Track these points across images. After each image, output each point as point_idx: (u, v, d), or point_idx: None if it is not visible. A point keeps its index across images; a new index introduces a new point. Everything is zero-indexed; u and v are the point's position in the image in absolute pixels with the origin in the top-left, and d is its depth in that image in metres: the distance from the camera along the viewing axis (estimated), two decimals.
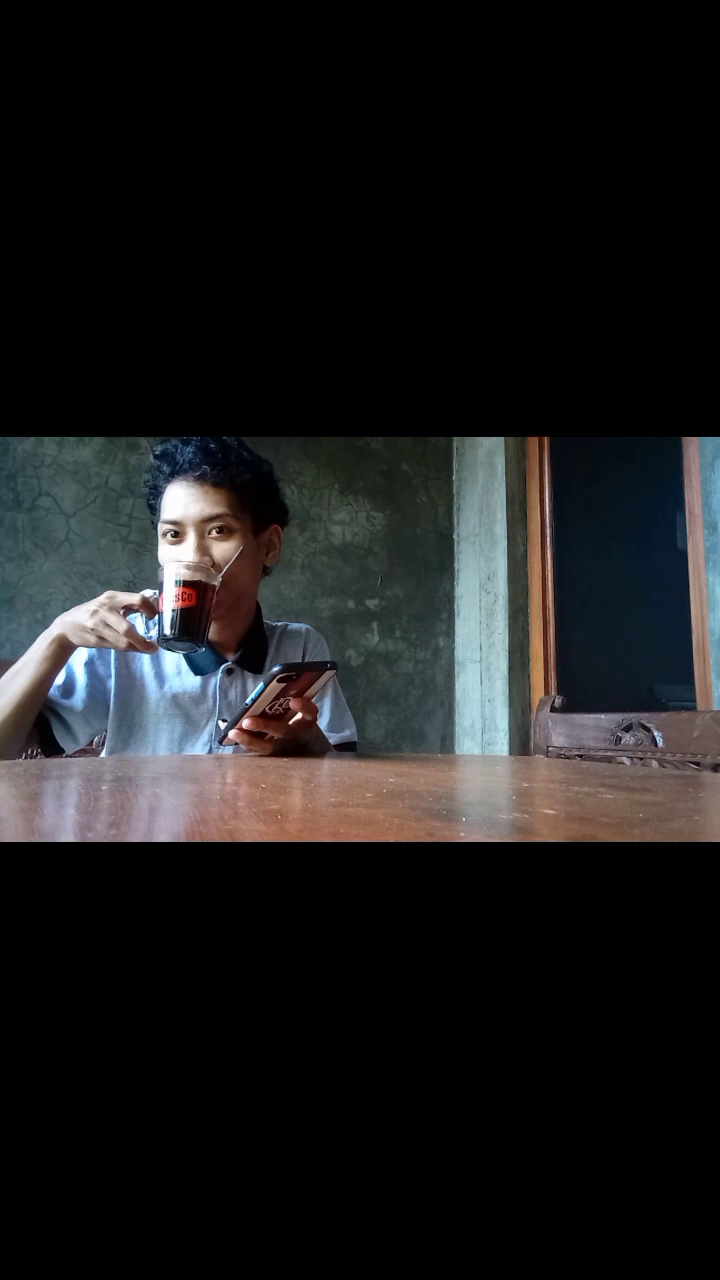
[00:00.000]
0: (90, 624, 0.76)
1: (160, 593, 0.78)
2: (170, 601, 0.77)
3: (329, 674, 0.73)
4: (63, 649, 0.80)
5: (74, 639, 0.79)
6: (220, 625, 0.88)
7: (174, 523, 0.87)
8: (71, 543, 1.84)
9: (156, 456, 0.91)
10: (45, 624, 1.80)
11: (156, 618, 0.78)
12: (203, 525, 0.86)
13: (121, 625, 0.76)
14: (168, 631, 0.77)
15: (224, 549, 0.87)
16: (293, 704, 0.72)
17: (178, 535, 0.87)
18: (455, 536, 2.37)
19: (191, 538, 0.86)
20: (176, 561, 0.82)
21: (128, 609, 0.77)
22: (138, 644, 0.76)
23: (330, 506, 2.19)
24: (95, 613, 0.76)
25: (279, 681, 0.66)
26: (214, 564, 0.86)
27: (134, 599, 0.77)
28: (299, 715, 0.73)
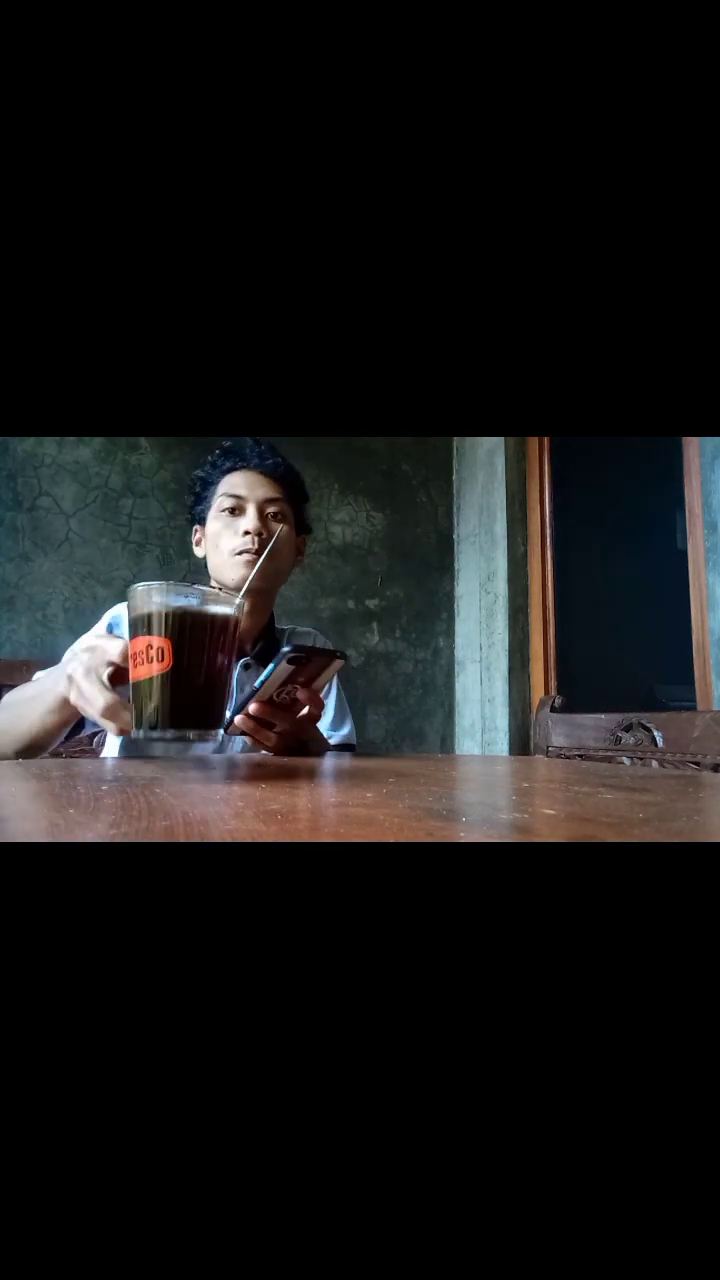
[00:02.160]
0: (72, 696, 0.58)
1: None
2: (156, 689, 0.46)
3: (338, 663, 0.71)
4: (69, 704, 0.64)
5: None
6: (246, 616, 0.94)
7: (238, 497, 0.95)
8: (71, 543, 1.84)
9: (218, 454, 0.99)
10: (45, 624, 1.78)
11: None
12: (264, 505, 0.95)
13: (99, 701, 0.53)
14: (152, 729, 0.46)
15: (279, 529, 0.95)
16: (299, 694, 0.71)
17: (239, 510, 0.95)
18: (455, 536, 2.37)
19: (252, 511, 0.94)
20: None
21: (114, 676, 0.55)
22: (117, 728, 0.53)
23: (330, 506, 2.19)
24: (72, 681, 0.57)
25: (289, 663, 0.65)
26: (269, 539, 0.92)
27: (115, 653, 0.54)
28: (306, 709, 0.72)
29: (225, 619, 0.48)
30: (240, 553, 0.92)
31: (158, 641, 0.45)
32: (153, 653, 0.45)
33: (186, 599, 0.46)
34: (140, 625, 0.46)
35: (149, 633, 0.45)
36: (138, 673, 0.45)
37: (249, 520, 0.94)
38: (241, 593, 0.47)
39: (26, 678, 1.41)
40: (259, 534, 0.93)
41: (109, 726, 0.53)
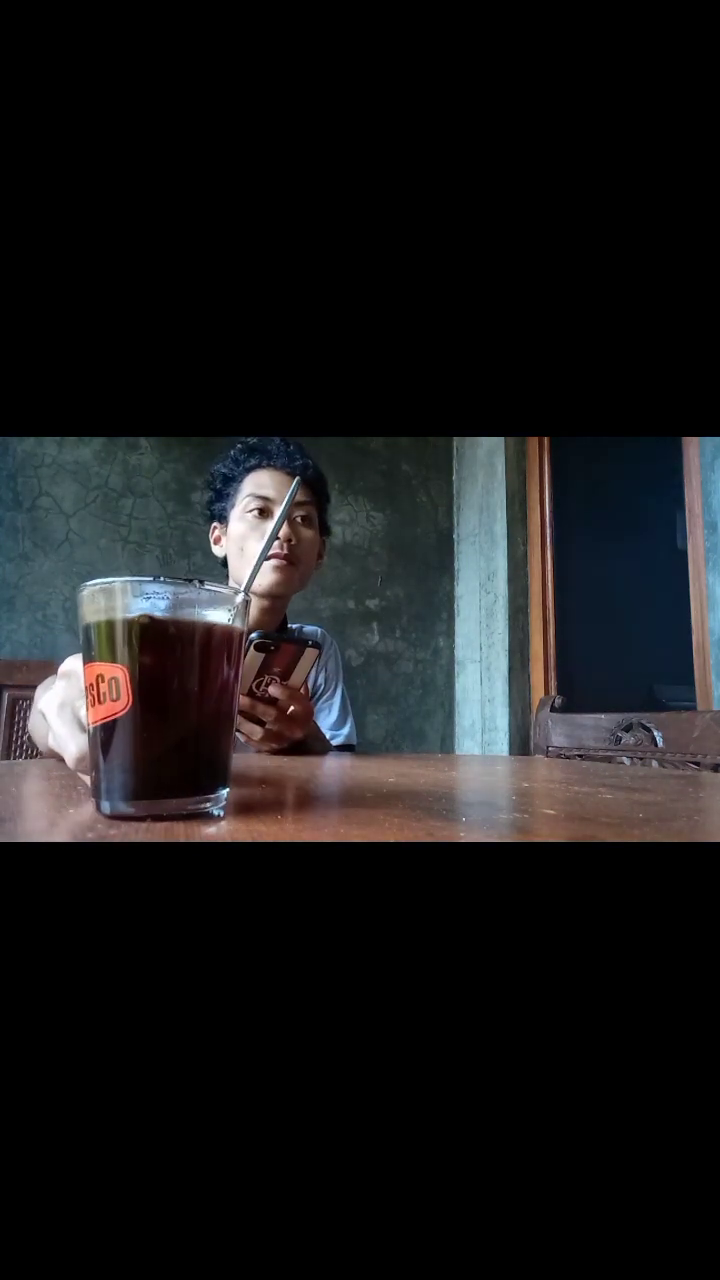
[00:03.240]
0: (50, 739, 0.47)
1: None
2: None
3: (312, 654, 0.69)
4: None
5: None
6: (262, 610, 0.94)
7: (267, 499, 0.92)
8: (71, 543, 1.84)
9: (242, 450, 0.96)
10: (45, 624, 1.78)
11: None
12: (292, 508, 0.92)
13: (70, 747, 0.42)
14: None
15: (307, 535, 0.93)
16: (274, 690, 0.68)
17: (267, 512, 0.92)
18: (455, 536, 2.37)
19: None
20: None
21: None
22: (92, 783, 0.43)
23: (330, 506, 2.19)
24: (44, 717, 0.47)
25: (256, 650, 0.63)
26: (299, 544, 0.90)
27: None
28: (293, 707, 0.71)
29: (219, 630, 0.32)
30: (270, 558, 0.90)
31: (111, 670, 0.30)
32: (105, 686, 0.30)
33: (155, 600, 0.31)
34: (90, 644, 0.31)
35: (99, 656, 0.30)
36: (93, 715, 0.31)
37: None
38: (244, 587, 0.35)
39: (26, 677, 1.41)
40: (289, 540, 0.91)
41: (86, 781, 0.37)
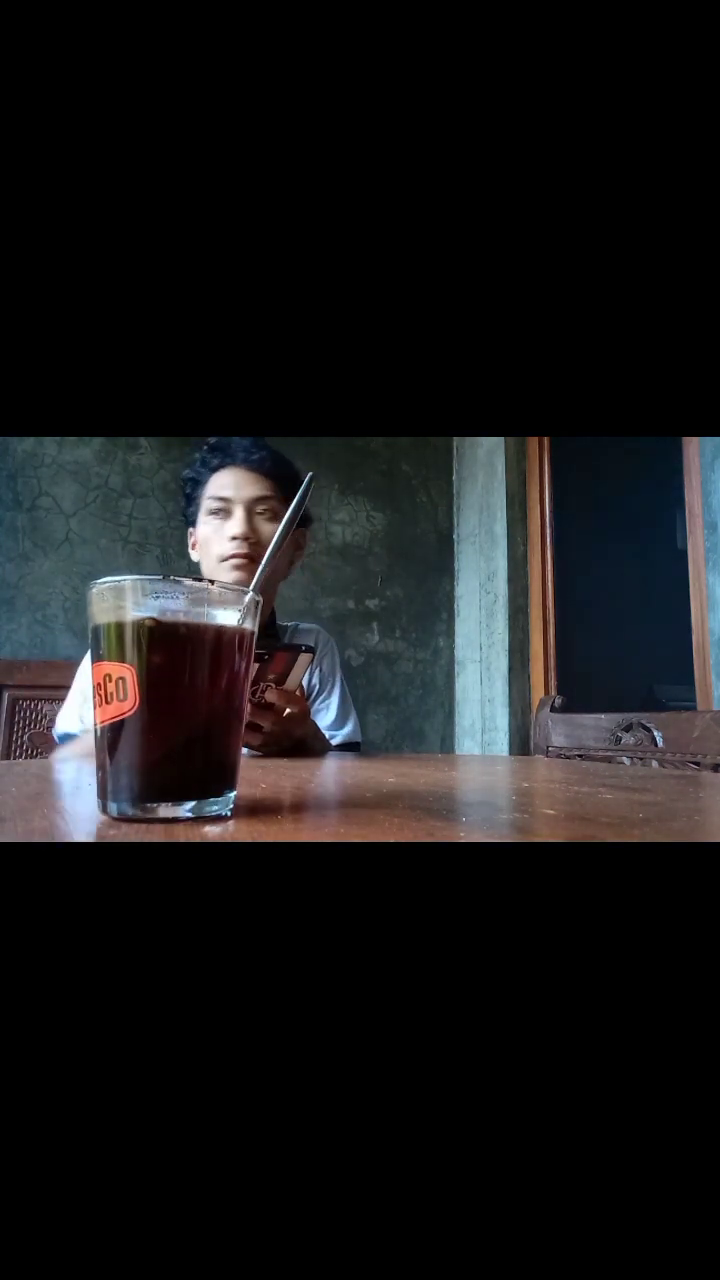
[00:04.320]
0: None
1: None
2: None
3: (306, 658, 0.69)
4: None
5: None
6: None
7: (224, 499, 0.91)
8: (71, 543, 1.84)
9: (206, 451, 0.95)
10: (45, 624, 1.78)
11: None
12: (252, 505, 0.91)
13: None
14: None
15: (269, 530, 0.91)
16: (271, 696, 0.69)
17: (226, 512, 0.91)
18: (455, 536, 2.37)
19: (239, 513, 0.90)
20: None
21: None
22: None
23: (330, 506, 2.19)
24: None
25: (254, 661, 0.63)
26: (259, 542, 0.88)
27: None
28: (288, 710, 0.71)
29: (229, 631, 0.32)
30: (228, 558, 0.89)
31: (119, 669, 0.30)
32: (113, 686, 0.30)
33: (164, 600, 0.31)
34: (99, 643, 0.31)
35: (108, 655, 0.30)
36: (99, 715, 0.31)
37: (236, 524, 0.90)
38: (252, 587, 0.35)
39: (27, 677, 1.41)
40: (247, 538, 0.89)
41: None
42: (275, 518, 0.92)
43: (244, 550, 0.89)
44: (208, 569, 0.94)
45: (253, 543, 0.90)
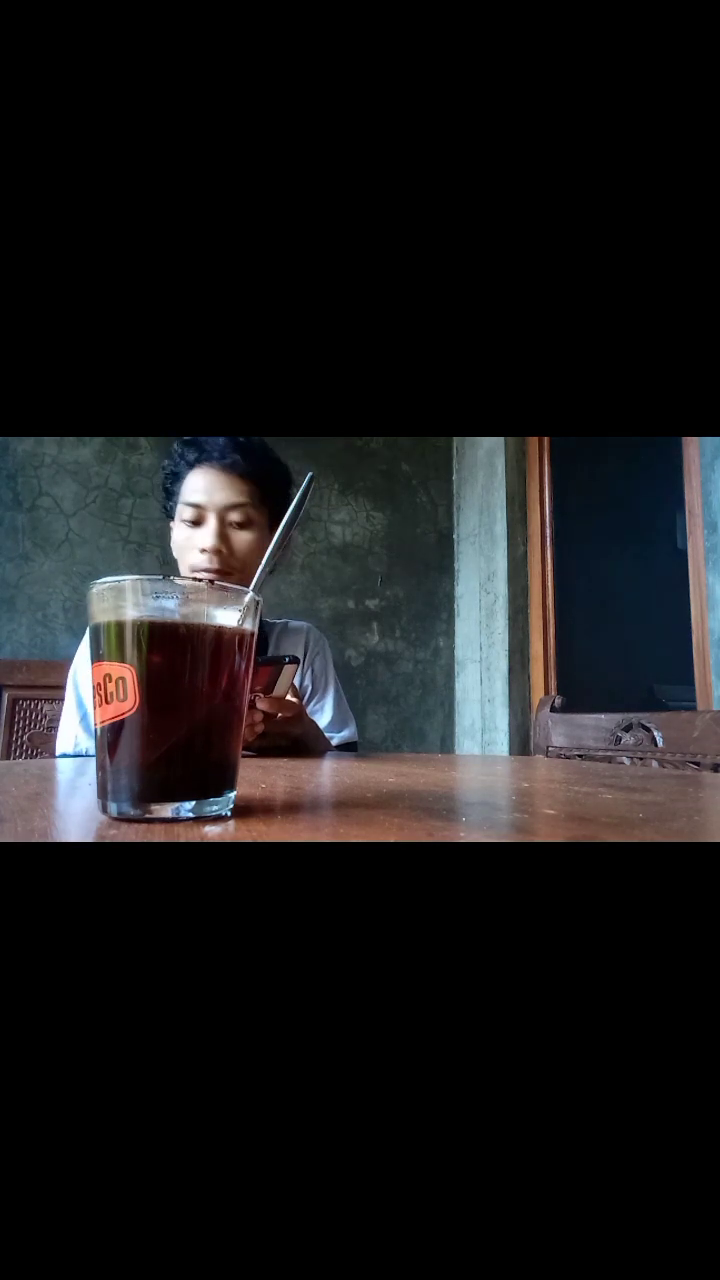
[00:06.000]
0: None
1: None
2: None
3: (291, 668, 0.69)
4: None
5: None
6: None
7: (196, 506, 0.86)
8: (71, 543, 1.84)
9: (183, 443, 0.90)
10: (45, 624, 1.78)
11: None
12: (224, 512, 0.86)
13: None
14: None
15: (243, 539, 0.86)
16: (261, 704, 0.69)
17: (197, 521, 0.87)
18: (455, 536, 2.37)
19: (212, 523, 0.86)
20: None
21: None
22: None
23: (330, 506, 2.19)
24: None
25: None
26: (231, 554, 0.84)
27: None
28: (281, 714, 0.71)
29: (229, 631, 0.32)
30: (198, 571, 0.85)
31: (119, 669, 0.30)
32: (113, 686, 0.30)
33: (164, 600, 0.31)
34: (99, 643, 0.31)
35: (108, 655, 0.31)
36: (99, 715, 0.31)
37: (207, 535, 0.85)
38: (252, 587, 0.34)
39: (27, 678, 1.41)
40: (218, 551, 0.85)
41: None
42: (250, 524, 0.87)
43: (215, 565, 0.84)
44: (184, 574, 0.89)
45: (224, 556, 0.85)
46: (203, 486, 0.87)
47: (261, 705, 0.69)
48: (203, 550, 0.85)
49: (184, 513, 0.88)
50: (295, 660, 0.70)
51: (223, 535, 0.86)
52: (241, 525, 0.87)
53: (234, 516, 0.87)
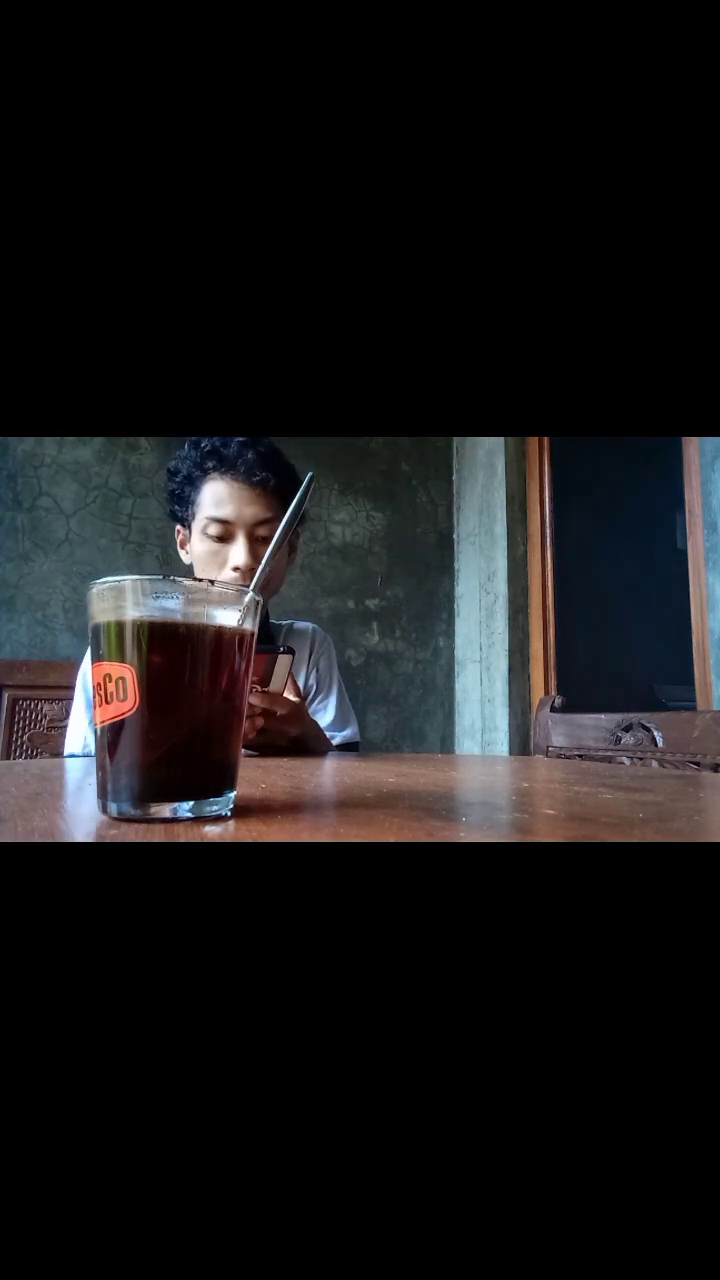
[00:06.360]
0: None
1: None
2: None
3: (286, 659, 0.69)
4: None
5: None
6: None
7: (226, 521, 0.86)
8: (71, 543, 1.84)
9: (199, 448, 0.88)
10: (45, 624, 1.78)
11: None
12: (254, 528, 0.87)
13: None
14: None
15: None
16: (255, 699, 0.68)
17: (226, 536, 0.86)
18: (455, 536, 2.37)
19: (242, 541, 0.86)
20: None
21: None
22: None
23: (330, 506, 2.19)
24: None
25: None
26: (258, 565, 0.84)
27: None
28: (279, 711, 0.71)
29: (229, 631, 0.32)
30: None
31: (119, 669, 0.30)
32: (113, 686, 0.30)
33: (164, 600, 0.31)
34: (99, 643, 0.31)
35: (108, 655, 0.31)
36: (99, 715, 0.31)
37: (239, 554, 0.85)
38: (252, 587, 0.34)
39: (27, 678, 1.41)
40: (252, 570, 0.85)
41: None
42: (273, 535, 0.87)
43: (248, 582, 0.86)
44: None
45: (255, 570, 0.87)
46: (229, 500, 0.86)
47: (255, 700, 0.69)
48: (236, 568, 0.85)
49: (210, 528, 0.87)
50: (290, 651, 0.70)
51: (254, 553, 0.86)
52: (267, 539, 0.87)
53: (262, 531, 0.87)
